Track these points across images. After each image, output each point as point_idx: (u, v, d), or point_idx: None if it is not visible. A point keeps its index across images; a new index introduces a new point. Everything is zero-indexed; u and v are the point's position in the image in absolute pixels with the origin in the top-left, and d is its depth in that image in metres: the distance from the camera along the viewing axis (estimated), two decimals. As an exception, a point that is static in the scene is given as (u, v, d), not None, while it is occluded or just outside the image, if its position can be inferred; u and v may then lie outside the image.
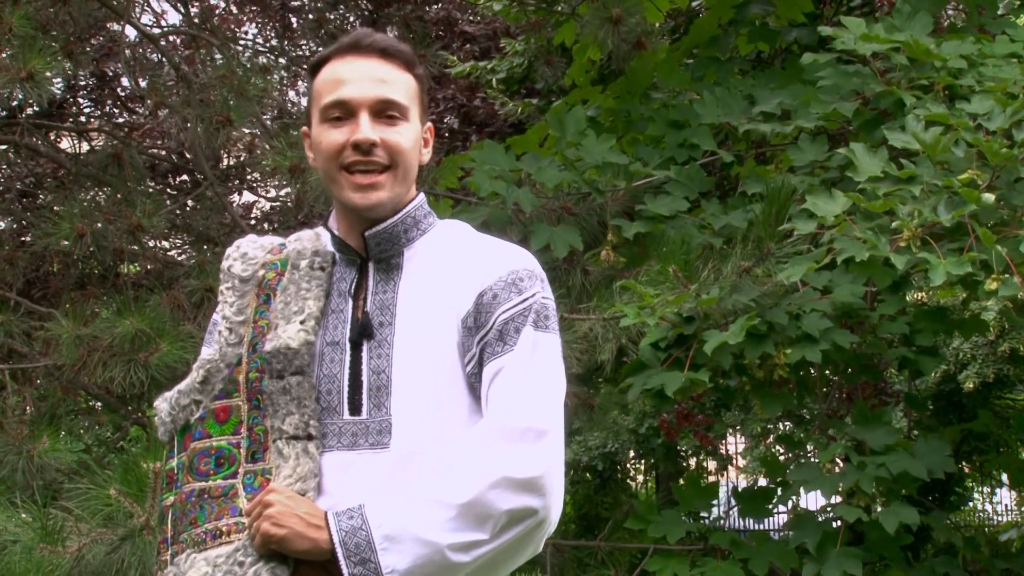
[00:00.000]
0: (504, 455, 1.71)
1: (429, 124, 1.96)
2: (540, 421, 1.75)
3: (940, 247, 3.07)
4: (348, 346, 1.83)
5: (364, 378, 1.81)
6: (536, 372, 1.79)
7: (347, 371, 1.82)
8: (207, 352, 1.91)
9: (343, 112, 1.84)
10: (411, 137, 1.86)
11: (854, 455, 3.98)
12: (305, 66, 7.28)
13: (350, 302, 1.87)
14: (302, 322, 1.83)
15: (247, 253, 1.98)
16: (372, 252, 1.89)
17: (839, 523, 4.07)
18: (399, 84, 1.86)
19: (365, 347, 1.82)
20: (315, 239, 1.95)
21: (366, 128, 1.81)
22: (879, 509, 4.57)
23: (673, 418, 8.90)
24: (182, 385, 1.89)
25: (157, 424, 1.92)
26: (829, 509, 4.34)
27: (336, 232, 1.92)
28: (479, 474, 1.69)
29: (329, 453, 1.79)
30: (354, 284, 1.88)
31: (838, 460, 4.24)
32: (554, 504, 1.75)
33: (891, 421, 4.11)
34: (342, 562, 1.67)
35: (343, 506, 1.73)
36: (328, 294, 1.88)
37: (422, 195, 1.96)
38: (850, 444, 4.16)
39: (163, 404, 1.90)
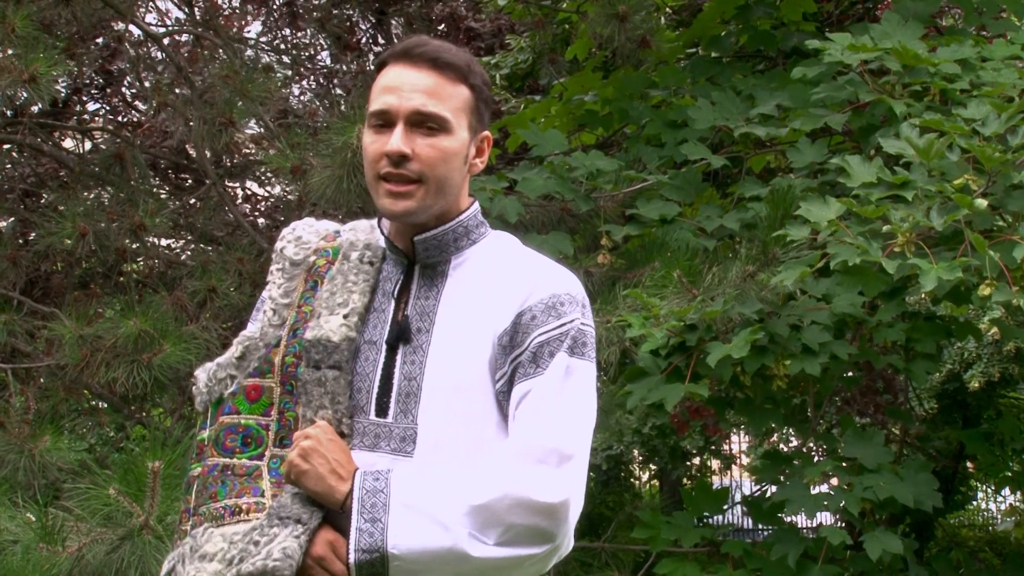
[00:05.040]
0: (525, 475, 1.71)
1: (486, 133, 1.92)
2: (565, 446, 1.75)
3: (935, 255, 3.05)
4: (384, 348, 1.84)
5: (395, 382, 1.82)
6: (566, 398, 1.79)
7: (380, 372, 1.83)
8: (249, 329, 1.93)
9: (384, 121, 1.83)
10: (450, 149, 1.83)
11: (843, 473, 3.97)
12: (308, 65, 7.29)
13: (392, 303, 1.88)
14: (345, 316, 1.85)
15: (301, 237, 2.00)
16: (420, 257, 1.89)
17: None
18: (445, 95, 1.83)
19: (400, 351, 1.83)
20: (369, 231, 1.96)
21: (397, 139, 1.80)
22: (878, 516, 4.57)
23: (685, 411, 8.91)
24: (221, 359, 1.92)
25: (194, 393, 1.94)
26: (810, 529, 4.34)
27: (386, 233, 1.93)
28: (497, 486, 1.70)
29: (351, 451, 1.80)
30: (399, 286, 1.89)
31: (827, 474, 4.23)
32: (569, 531, 1.75)
33: (883, 442, 4.10)
34: (355, 515, 1.70)
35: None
36: (374, 290, 1.89)
37: (476, 205, 1.95)
38: (839, 461, 4.15)
39: (201, 374, 1.93)
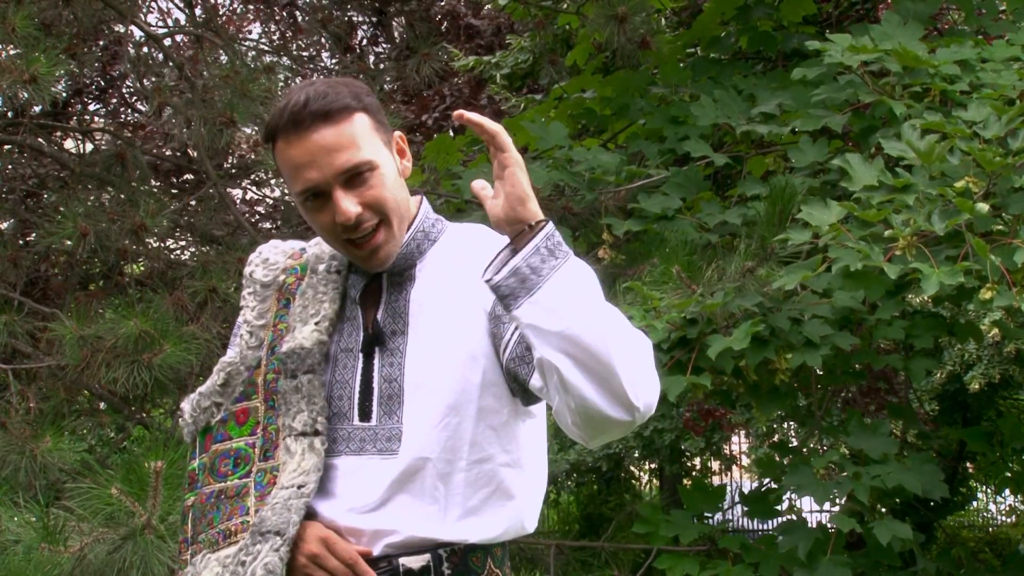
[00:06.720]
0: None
1: (398, 134, 1.92)
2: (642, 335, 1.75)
3: (936, 255, 3.05)
4: (360, 354, 1.86)
5: (375, 385, 1.83)
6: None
7: (359, 377, 1.84)
8: (229, 355, 1.94)
9: (316, 195, 1.81)
10: (387, 179, 1.83)
11: (849, 465, 3.96)
12: (310, 66, 7.29)
13: (359, 310, 1.89)
14: (316, 323, 1.86)
15: (269, 259, 2.01)
16: (387, 269, 1.90)
17: (833, 529, 4.04)
18: (353, 137, 1.79)
19: (377, 355, 1.84)
20: None
21: (345, 205, 1.78)
22: (883, 511, 4.55)
23: (696, 414, 8.99)
24: (203, 387, 1.93)
25: (181, 425, 1.95)
26: (819, 514, 4.31)
27: None
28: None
29: (339, 458, 1.82)
30: (363, 291, 1.90)
31: (832, 466, 4.22)
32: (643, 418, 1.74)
33: (888, 432, 4.09)
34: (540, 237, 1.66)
35: (355, 505, 1.77)
36: (344, 296, 1.91)
37: (426, 204, 1.95)
38: (846, 454, 4.14)
39: (186, 405, 1.94)
